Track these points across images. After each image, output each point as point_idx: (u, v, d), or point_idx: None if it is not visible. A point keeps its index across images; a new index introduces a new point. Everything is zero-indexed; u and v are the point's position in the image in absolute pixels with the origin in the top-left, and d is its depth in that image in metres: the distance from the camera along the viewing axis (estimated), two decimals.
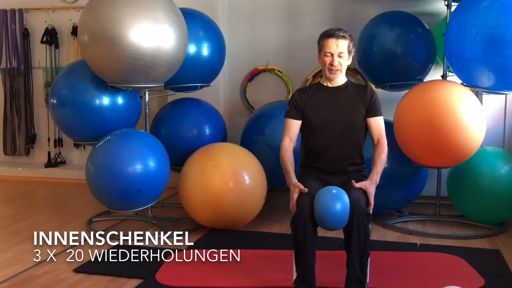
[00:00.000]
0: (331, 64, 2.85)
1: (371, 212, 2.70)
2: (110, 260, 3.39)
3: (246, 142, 4.47)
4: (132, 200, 3.74)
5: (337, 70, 2.86)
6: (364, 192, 2.70)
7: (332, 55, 2.85)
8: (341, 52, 2.84)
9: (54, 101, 4.06)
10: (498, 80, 3.56)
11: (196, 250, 3.53)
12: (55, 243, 3.71)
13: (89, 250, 3.56)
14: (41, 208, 4.78)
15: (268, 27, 5.21)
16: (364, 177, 2.87)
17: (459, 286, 2.41)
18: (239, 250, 3.50)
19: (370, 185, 2.72)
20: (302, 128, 2.96)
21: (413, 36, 4.30)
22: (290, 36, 5.17)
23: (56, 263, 3.35)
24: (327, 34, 2.87)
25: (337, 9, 5.03)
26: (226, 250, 3.51)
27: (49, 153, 5.90)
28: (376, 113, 2.91)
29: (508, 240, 3.75)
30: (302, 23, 5.12)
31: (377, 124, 2.91)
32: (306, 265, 2.68)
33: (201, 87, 4.51)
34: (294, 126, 2.94)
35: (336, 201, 2.56)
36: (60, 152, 5.94)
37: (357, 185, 2.71)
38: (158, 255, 3.42)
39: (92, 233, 3.93)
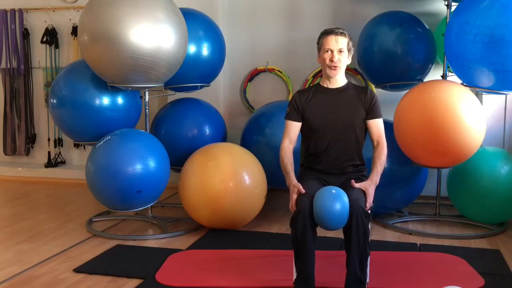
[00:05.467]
0: (331, 60, 2.85)
1: (370, 212, 2.71)
2: (110, 260, 3.39)
3: (246, 142, 4.47)
4: (132, 200, 3.74)
5: (337, 66, 2.86)
6: (364, 192, 2.70)
7: (331, 51, 2.84)
8: (340, 49, 2.84)
9: (54, 101, 4.06)
10: (498, 80, 3.56)
11: (196, 250, 3.55)
12: (55, 243, 3.74)
13: (89, 250, 3.58)
14: (41, 208, 4.78)
15: (268, 27, 5.21)
16: (364, 177, 2.88)
17: (459, 286, 2.41)
18: (239, 250, 3.52)
19: (369, 186, 2.72)
20: (302, 130, 2.96)
21: (413, 36, 4.30)
22: (290, 36, 5.17)
23: (56, 263, 3.36)
24: (326, 32, 2.89)
25: (337, 9, 5.03)
26: (226, 250, 3.52)
27: (49, 153, 5.90)
28: (376, 115, 2.91)
29: (508, 240, 3.75)
30: (302, 23, 5.12)
31: (377, 126, 2.91)
32: (305, 265, 2.68)
33: (201, 87, 4.51)
34: (294, 128, 2.94)
35: (336, 201, 2.57)
36: (60, 152, 5.95)
37: (357, 185, 2.72)
38: (158, 255, 3.43)
39: (92, 233, 3.95)
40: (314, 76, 5.06)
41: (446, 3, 4.12)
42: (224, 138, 4.67)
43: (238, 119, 5.19)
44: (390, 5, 4.69)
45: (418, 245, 3.62)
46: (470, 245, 3.65)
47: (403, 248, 3.55)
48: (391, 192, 4.00)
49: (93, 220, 4.25)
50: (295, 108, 2.93)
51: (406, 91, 3.98)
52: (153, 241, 3.78)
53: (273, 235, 3.88)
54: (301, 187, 2.70)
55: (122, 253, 3.53)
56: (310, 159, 2.96)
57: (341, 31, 2.86)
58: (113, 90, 3.95)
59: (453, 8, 4.00)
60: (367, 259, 2.70)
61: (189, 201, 3.87)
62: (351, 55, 2.94)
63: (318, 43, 2.93)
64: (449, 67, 4.11)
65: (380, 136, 2.90)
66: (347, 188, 2.69)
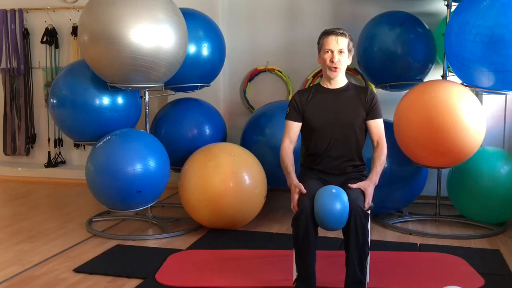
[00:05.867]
0: (331, 61, 2.84)
1: (369, 212, 2.71)
2: (110, 260, 3.39)
3: (246, 142, 4.47)
4: (132, 200, 3.74)
5: (337, 67, 2.85)
6: (363, 192, 2.70)
7: (332, 52, 2.84)
8: (341, 49, 2.84)
9: (54, 101, 4.06)
10: (498, 80, 3.56)
11: (196, 250, 3.55)
12: (55, 243, 3.74)
13: (89, 250, 3.58)
14: (41, 208, 4.78)
15: (268, 27, 5.21)
16: (364, 176, 2.88)
17: (459, 286, 2.41)
18: (239, 250, 3.52)
19: (368, 186, 2.72)
20: (302, 130, 2.96)
21: (413, 36, 4.30)
22: (290, 36, 5.17)
23: (56, 263, 3.36)
24: (327, 32, 2.88)
25: (337, 9, 5.03)
26: (226, 250, 3.52)
27: (49, 153, 5.90)
28: (376, 116, 2.91)
29: (508, 240, 3.75)
30: (302, 23, 5.12)
31: (377, 126, 2.91)
32: (306, 264, 2.68)
33: (201, 87, 4.51)
34: (294, 128, 2.94)
35: (336, 200, 2.56)
36: (60, 152, 5.94)
37: (355, 185, 2.72)
38: (158, 255, 3.43)
39: (92, 233, 3.95)
40: (314, 76, 5.06)
41: (446, 3, 4.12)
42: (224, 138, 4.67)
43: (238, 119, 5.19)
44: (390, 5, 4.69)
45: (418, 245, 3.62)
46: (470, 245, 3.65)
47: (403, 248, 3.55)
48: (391, 192, 4.00)
49: (93, 220, 4.24)
50: (295, 108, 2.93)
51: (406, 91, 3.98)
52: (153, 241, 3.78)
53: (273, 235, 3.88)
54: (302, 187, 2.70)
55: (122, 253, 3.53)
56: (310, 159, 2.96)
57: (341, 31, 2.85)
58: (113, 90, 3.95)
59: (453, 8, 4.00)
60: (366, 259, 2.70)
61: (189, 201, 3.87)
62: (352, 56, 2.93)
63: (318, 43, 2.93)
64: (449, 67, 4.11)
65: (380, 136, 2.90)
66: (346, 188, 2.69)
